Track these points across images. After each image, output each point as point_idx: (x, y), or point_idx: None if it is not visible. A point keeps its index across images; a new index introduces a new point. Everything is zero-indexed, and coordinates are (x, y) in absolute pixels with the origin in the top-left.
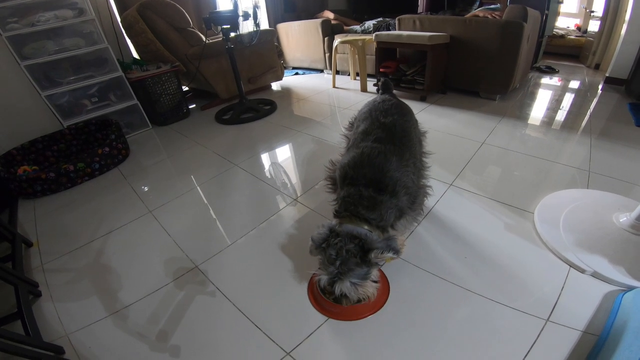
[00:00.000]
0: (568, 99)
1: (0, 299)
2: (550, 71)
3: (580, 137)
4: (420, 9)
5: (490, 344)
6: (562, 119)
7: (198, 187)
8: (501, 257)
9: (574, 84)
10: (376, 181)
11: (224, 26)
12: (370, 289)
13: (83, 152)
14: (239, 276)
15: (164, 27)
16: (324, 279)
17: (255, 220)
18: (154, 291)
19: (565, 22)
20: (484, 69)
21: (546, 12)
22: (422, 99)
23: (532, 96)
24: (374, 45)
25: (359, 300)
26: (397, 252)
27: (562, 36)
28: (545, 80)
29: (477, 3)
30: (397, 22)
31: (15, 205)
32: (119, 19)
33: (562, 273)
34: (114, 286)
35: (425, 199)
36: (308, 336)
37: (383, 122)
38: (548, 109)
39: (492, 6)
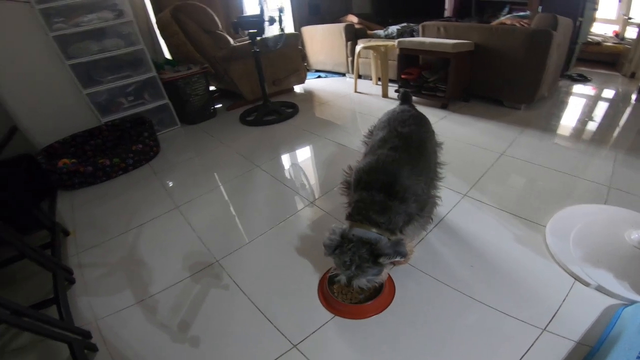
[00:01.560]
0: (597, 110)
1: (39, 284)
2: (582, 79)
3: (605, 151)
4: (447, 14)
5: (484, 349)
6: (588, 131)
7: (221, 186)
8: (507, 268)
9: (606, 94)
10: (388, 187)
11: (251, 30)
12: (380, 280)
13: (117, 147)
14: (255, 272)
15: (194, 29)
16: (343, 279)
17: (273, 220)
18: (176, 282)
19: (603, 28)
20: (509, 78)
21: (580, 19)
22: (444, 106)
23: (560, 106)
24: (397, 51)
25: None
26: (404, 256)
27: (598, 43)
28: (576, 89)
29: (507, 9)
30: (420, 28)
31: (55, 196)
32: (154, 21)
33: (566, 285)
34: (141, 276)
35: (434, 208)
36: (314, 331)
37: (400, 132)
38: (574, 120)
39: (521, 14)
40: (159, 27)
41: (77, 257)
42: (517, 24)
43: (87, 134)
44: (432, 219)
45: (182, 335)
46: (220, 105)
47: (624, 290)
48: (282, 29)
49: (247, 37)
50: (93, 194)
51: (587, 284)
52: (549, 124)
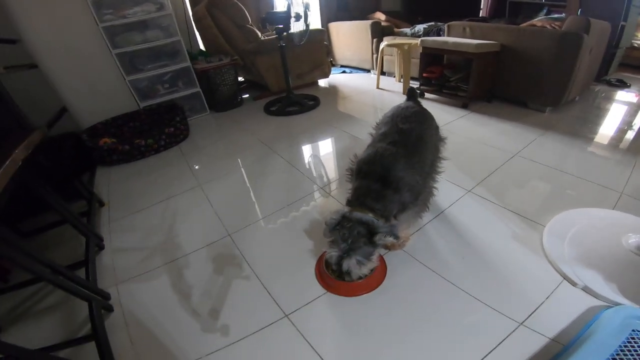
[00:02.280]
0: (628, 117)
1: (73, 248)
2: (621, 85)
3: (625, 157)
4: (483, 14)
5: (460, 336)
6: (611, 137)
7: (241, 169)
8: (498, 262)
9: None
10: (383, 177)
11: (278, 26)
12: (370, 266)
13: (152, 130)
14: (261, 246)
15: (227, 23)
16: (334, 255)
17: (284, 201)
18: (190, 252)
19: None
20: (535, 80)
21: (622, 23)
22: (464, 106)
23: (589, 110)
24: (420, 49)
25: (359, 278)
26: (397, 237)
27: None
28: (612, 94)
29: (544, 11)
30: (446, 28)
31: (94, 171)
32: (190, 13)
33: (553, 284)
34: (160, 246)
35: (430, 198)
36: (306, 304)
37: (401, 128)
38: (600, 125)
39: (556, 16)
40: (194, 20)
41: (108, 225)
42: (548, 26)
43: (126, 117)
44: (428, 208)
45: (187, 300)
46: (247, 96)
47: (610, 292)
48: (307, 25)
49: (274, 32)
50: (128, 170)
51: (574, 284)
52: (572, 127)
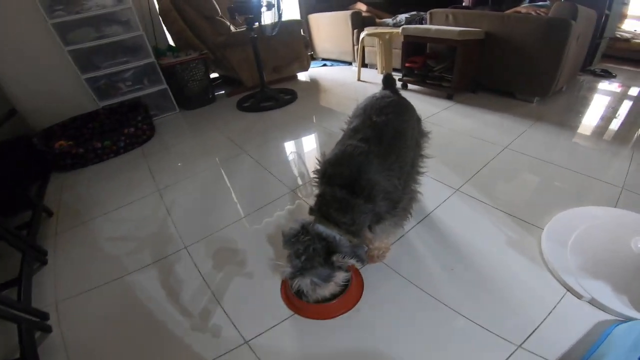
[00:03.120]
0: (617, 107)
1: (10, 264)
2: (606, 75)
3: (622, 149)
4: (465, 3)
5: None
6: (606, 128)
7: (207, 171)
8: (491, 274)
9: (631, 91)
10: (352, 183)
11: (248, 16)
12: (330, 290)
13: (115, 130)
14: (220, 258)
15: (193, 15)
16: (287, 271)
17: (250, 207)
18: (140, 268)
19: (634, 25)
20: (522, 69)
21: (607, 12)
22: (449, 97)
23: (577, 101)
24: (402, 38)
25: (317, 300)
26: (361, 260)
27: (627, 40)
28: (598, 84)
29: (527, 0)
30: (428, 16)
31: (48, 177)
32: (157, 7)
33: (555, 297)
34: (109, 260)
35: (412, 203)
36: (270, 328)
37: (375, 121)
38: (591, 116)
39: (540, 3)
40: (160, 15)
41: (55, 237)
42: (533, 13)
43: (85, 118)
44: (410, 215)
45: (133, 321)
46: (222, 92)
47: (621, 305)
48: (279, 15)
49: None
50: (83, 175)
51: (579, 297)
52: (562, 118)
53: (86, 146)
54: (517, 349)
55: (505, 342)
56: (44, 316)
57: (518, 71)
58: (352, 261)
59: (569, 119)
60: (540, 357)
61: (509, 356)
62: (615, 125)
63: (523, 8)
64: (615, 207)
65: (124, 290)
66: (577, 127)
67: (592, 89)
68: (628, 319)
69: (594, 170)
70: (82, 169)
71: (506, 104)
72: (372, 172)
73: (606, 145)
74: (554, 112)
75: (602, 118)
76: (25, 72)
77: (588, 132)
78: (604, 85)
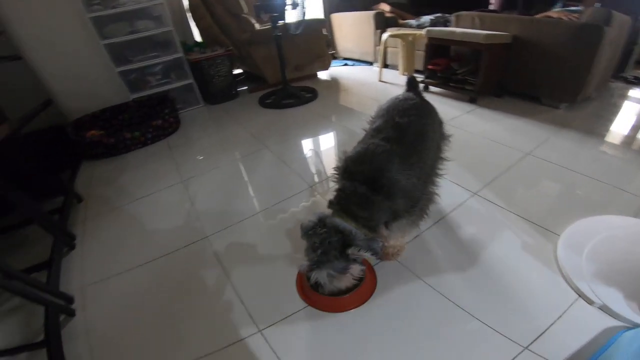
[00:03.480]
0: None
1: (41, 247)
2: (638, 82)
3: None
4: (492, 7)
5: None
6: (633, 137)
7: (229, 165)
8: (505, 276)
9: None
10: (373, 180)
11: (273, 14)
12: (346, 282)
13: (142, 122)
14: (240, 250)
15: (221, 12)
16: (304, 264)
17: (269, 200)
18: (163, 255)
19: None
20: (550, 74)
21: None
22: (472, 100)
23: (607, 108)
24: (425, 40)
25: (333, 293)
26: (376, 253)
27: None
28: (630, 92)
29: (559, 4)
30: (454, 18)
31: (79, 165)
32: (186, 3)
33: (566, 302)
34: (135, 246)
35: (429, 205)
36: (283, 318)
37: (397, 122)
38: (621, 124)
39: (573, 8)
40: (190, 10)
41: (84, 223)
42: (565, 18)
43: (116, 109)
44: (426, 216)
45: (154, 307)
46: (245, 88)
47: (631, 312)
48: (303, 14)
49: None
50: (113, 164)
51: (591, 302)
52: (590, 125)
53: (117, 136)
54: (523, 350)
55: (511, 344)
56: (70, 300)
57: (545, 76)
58: (367, 254)
59: (596, 126)
60: (545, 359)
61: (515, 357)
62: None
63: (554, 13)
64: (635, 217)
65: (145, 277)
66: (604, 135)
67: (623, 96)
68: (637, 326)
69: (618, 180)
70: (111, 158)
71: (531, 109)
72: (393, 170)
73: (633, 155)
74: (581, 118)
75: (631, 127)
76: (62, 64)
77: (615, 141)
78: (635, 92)
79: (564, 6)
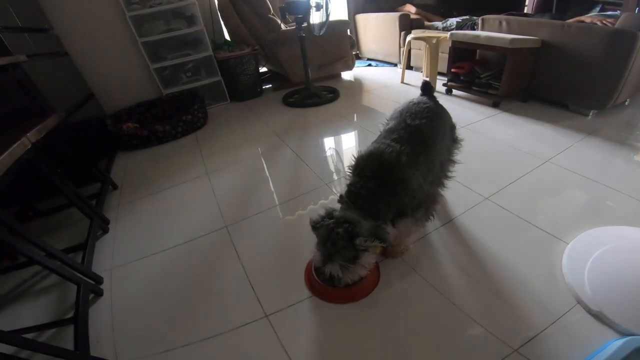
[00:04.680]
0: None
1: (79, 229)
2: None
3: None
4: (527, 10)
5: (447, 359)
6: None
7: (251, 160)
8: (507, 280)
9: None
10: (380, 176)
11: (298, 15)
12: (359, 272)
13: (173, 116)
14: (256, 240)
15: (248, 12)
16: (317, 258)
17: (286, 196)
18: (186, 241)
19: None
20: (579, 79)
21: None
22: (495, 104)
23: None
24: (449, 43)
25: (348, 284)
26: (383, 240)
27: None
28: None
29: (598, 9)
30: (480, 21)
31: (115, 154)
32: (216, 3)
33: (564, 307)
34: (161, 232)
35: (434, 206)
36: (289, 306)
37: (409, 124)
38: None
39: (610, 13)
40: (219, 10)
41: (117, 209)
42: (598, 23)
43: (149, 104)
44: (432, 217)
45: (174, 289)
46: (269, 86)
47: (627, 322)
48: (327, 15)
49: (294, 22)
50: (145, 155)
51: (588, 309)
52: (618, 134)
53: (150, 129)
54: (512, 352)
55: (502, 345)
56: (99, 280)
57: (574, 82)
58: (375, 242)
59: (624, 134)
60: None
61: (503, 359)
62: None
63: (588, 17)
64: None
65: (168, 262)
66: (631, 144)
67: None
68: (629, 336)
69: (637, 191)
70: (144, 150)
71: (557, 115)
72: (399, 169)
73: None
74: (609, 126)
75: None
76: (103, 60)
77: None
78: None
79: (601, 10)
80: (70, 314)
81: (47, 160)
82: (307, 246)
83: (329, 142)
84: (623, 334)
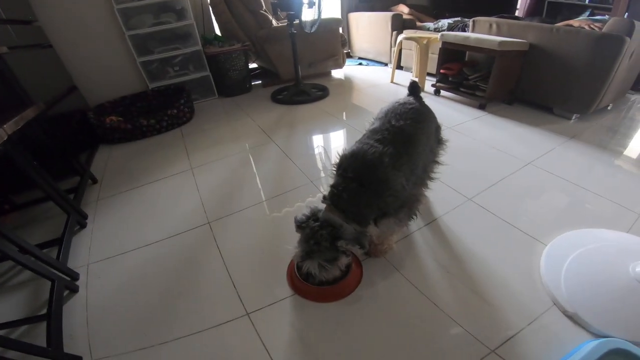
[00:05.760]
0: None
1: (56, 224)
2: None
3: None
4: (519, 13)
5: (426, 358)
6: None
7: (236, 155)
8: (486, 281)
9: None
10: (362, 177)
11: (290, 12)
12: (334, 273)
13: (159, 110)
14: (238, 237)
15: (240, 8)
16: (298, 254)
17: (270, 193)
18: (166, 238)
19: None
20: (564, 83)
21: None
22: (481, 106)
23: (621, 121)
24: (439, 44)
25: (321, 282)
26: (363, 246)
27: None
28: None
29: (587, 13)
30: (471, 23)
31: (96, 148)
32: None
33: (540, 308)
34: (141, 228)
35: (417, 206)
36: (270, 304)
37: (393, 125)
38: (631, 137)
39: (598, 17)
40: (211, 5)
41: (96, 203)
42: (586, 27)
43: (134, 97)
44: (415, 217)
45: (152, 286)
46: (259, 82)
47: (602, 323)
48: (319, 13)
49: (286, 19)
50: (127, 149)
51: (564, 310)
52: (599, 138)
53: (134, 123)
54: (489, 353)
55: (481, 345)
56: (75, 276)
57: (559, 85)
58: (356, 247)
59: (606, 139)
60: None
61: (481, 359)
62: None
63: (576, 22)
64: (627, 232)
65: (147, 258)
66: (612, 148)
67: None
68: (605, 337)
69: (616, 195)
70: (127, 143)
71: (541, 119)
72: (381, 170)
73: (637, 169)
74: (591, 130)
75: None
76: (88, 53)
77: (621, 155)
78: None
79: (591, 15)
80: (44, 311)
81: (23, 152)
82: (290, 244)
83: (316, 140)
84: (597, 335)
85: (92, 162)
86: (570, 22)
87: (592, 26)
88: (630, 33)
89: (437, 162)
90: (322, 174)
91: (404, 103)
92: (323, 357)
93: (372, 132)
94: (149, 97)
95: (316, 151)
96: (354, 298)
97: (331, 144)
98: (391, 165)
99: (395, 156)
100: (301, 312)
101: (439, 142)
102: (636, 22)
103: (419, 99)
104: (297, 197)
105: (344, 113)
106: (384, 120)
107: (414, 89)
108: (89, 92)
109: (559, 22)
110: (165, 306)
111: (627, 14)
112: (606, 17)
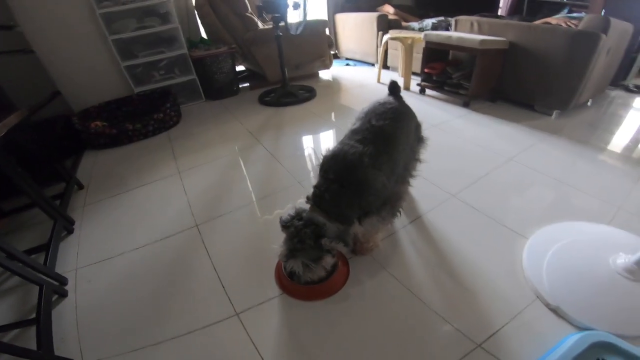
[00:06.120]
0: None
1: (43, 230)
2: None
3: (634, 170)
4: (501, 12)
5: (414, 354)
6: (621, 146)
7: (223, 158)
8: (470, 276)
9: None
10: (343, 178)
11: (275, 14)
12: (319, 273)
13: (145, 115)
14: (227, 239)
15: (226, 11)
16: (282, 253)
17: (259, 194)
18: (155, 241)
19: None
20: (543, 80)
21: None
22: (465, 104)
23: (601, 117)
24: (423, 44)
25: (306, 282)
26: (347, 244)
27: None
28: (630, 100)
29: (566, 11)
30: (453, 22)
31: (82, 153)
32: (193, 0)
33: (523, 302)
34: (129, 232)
35: (399, 204)
36: (259, 304)
37: (373, 125)
38: (611, 132)
39: (575, 15)
40: (196, 7)
41: (83, 209)
42: (564, 24)
43: (119, 102)
44: (398, 214)
45: (141, 289)
46: (247, 85)
47: (584, 316)
48: (305, 15)
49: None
50: (114, 154)
51: (547, 304)
52: (579, 133)
53: (119, 128)
54: (476, 347)
55: (467, 340)
56: (64, 281)
57: (539, 82)
58: (340, 245)
59: (585, 134)
60: (495, 357)
61: (467, 354)
62: (632, 143)
63: (554, 19)
64: (608, 224)
65: (136, 262)
66: (591, 143)
67: (622, 105)
68: (587, 330)
69: (596, 189)
70: (113, 149)
71: (523, 116)
72: (362, 170)
73: (617, 163)
74: (571, 126)
75: (621, 135)
76: (71, 58)
77: (601, 150)
78: (637, 101)
79: (569, 12)
80: (34, 315)
81: (7, 158)
82: (276, 245)
83: (304, 141)
84: (580, 328)
85: (77, 167)
86: (549, 19)
87: (569, 23)
88: (605, 30)
89: (418, 160)
90: (311, 175)
91: (384, 103)
92: (312, 355)
93: (353, 132)
94: (135, 101)
95: (304, 152)
96: (341, 296)
97: (319, 145)
98: (371, 165)
99: (375, 156)
100: (290, 310)
101: (420, 140)
102: (612, 19)
103: (399, 98)
104: (283, 198)
105: (332, 114)
106: (364, 120)
107: (394, 88)
108: (73, 97)
109: (539, 20)
110: (155, 308)
111: (604, 11)
112: (583, 14)
